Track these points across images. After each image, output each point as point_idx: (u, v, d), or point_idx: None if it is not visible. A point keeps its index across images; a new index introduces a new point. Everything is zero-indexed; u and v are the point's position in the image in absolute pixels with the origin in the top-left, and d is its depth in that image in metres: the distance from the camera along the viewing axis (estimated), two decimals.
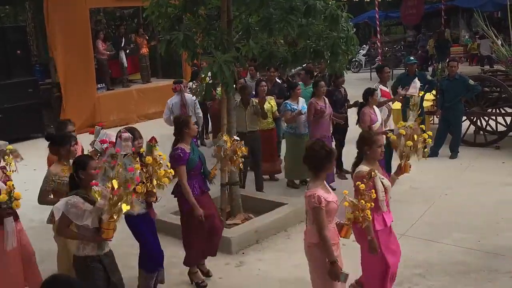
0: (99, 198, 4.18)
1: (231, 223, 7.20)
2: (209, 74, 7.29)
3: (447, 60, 11.24)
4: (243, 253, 6.61)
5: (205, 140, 12.47)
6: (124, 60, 16.60)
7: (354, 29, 7.64)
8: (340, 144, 9.42)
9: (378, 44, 21.66)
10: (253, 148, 8.14)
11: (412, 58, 11.01)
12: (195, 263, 6.01)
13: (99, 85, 15.31)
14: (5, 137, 12.92)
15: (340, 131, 9.31)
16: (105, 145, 5.79)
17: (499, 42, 12.01)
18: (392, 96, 9.11)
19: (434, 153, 10.29)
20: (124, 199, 4.20)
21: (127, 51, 16.89)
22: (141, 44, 16.94)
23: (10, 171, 5.14)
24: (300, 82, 10.10)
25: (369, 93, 8.12)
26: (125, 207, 4.21)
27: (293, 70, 14.71)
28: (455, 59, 11.47)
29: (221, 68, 6.29)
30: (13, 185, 4.93)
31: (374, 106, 8.14)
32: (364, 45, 26.72)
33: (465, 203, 7.78)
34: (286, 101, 8.90)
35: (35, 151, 12.49)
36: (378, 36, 21.50)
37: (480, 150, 10.60)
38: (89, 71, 14.63)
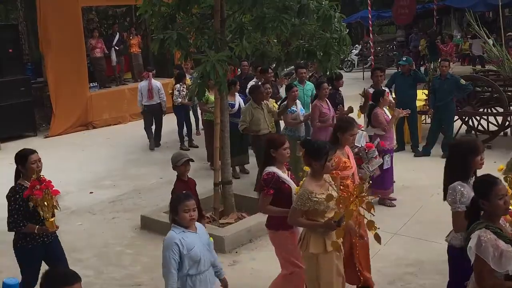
0: None
1: (224, 222, 7.22)
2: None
3: (439, 60, 11.29)
4: (237, 252, 6.63)
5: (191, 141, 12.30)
6: (114, 58, 16.55)
7: (347, 30, 7.63)
8: None
9: (371, 43, 21.67)
10: None
11: (404, 59, 11.06)
12: None
13: (91, 84, 15.26)
14: None
15: None
16: (371, 153, 5.51)
17: (491, 42, 12.08)
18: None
19: (426, 152, 10.37)
20: None
21: (118, 50, 16.82)
22: (131, 43, 16.93)
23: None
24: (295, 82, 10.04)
25: (380, 94, 7.99)
26: None
27: (285, 70, 14.72)
28: (447, 59, 11.51)
29: (214, 67, 6.30)
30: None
31: (383, 107, 8.05)
32: (356, 45, 26.76)
33: None
34: (286, 103, 8.58)
35: None
36: (371, 35, 21.51)
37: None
38: (81, 70, 14.57)
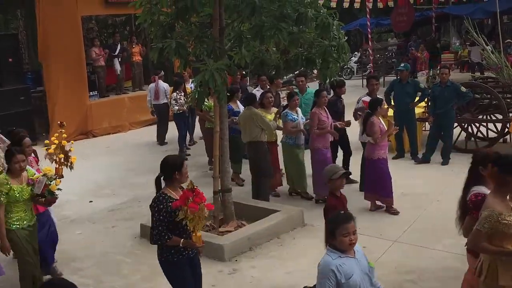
0: None
1: (224, 230, 7.21)
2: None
3: (438, 67, 11.32)
4: (236, 260, 6.61)
5: (186, 149, 12.07)
6: (118, 67, 16.59)
7: (346, 37, 7.65)
8: (347, 152, 9.41)
9: (370, 51, 21.77)
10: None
11: (402, 65, 11.08)
12: None
13: (91, 92, 15.28)
14: None
15: (344, 140, 9.14)
16: None
17: (489, 49, 12.11)
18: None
19: (426, 159, 10.36)
20: None
21: (120, 59, 16.85)
22: (133, 52, 16.97)
23: None
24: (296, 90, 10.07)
25: (378, 103, 7.97)
26: None
27: (285, 77, 14.76)
28: (446, 66, 11.54)
29: (213, 75, 6.32)
30: None
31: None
32: (355, 52, 26.83)
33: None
34: (286, 111, 8.64)
35: None
36: (370, 43, 21.61)
37: (471, 156, 10.62)
38: (81, 79, 14.59)
